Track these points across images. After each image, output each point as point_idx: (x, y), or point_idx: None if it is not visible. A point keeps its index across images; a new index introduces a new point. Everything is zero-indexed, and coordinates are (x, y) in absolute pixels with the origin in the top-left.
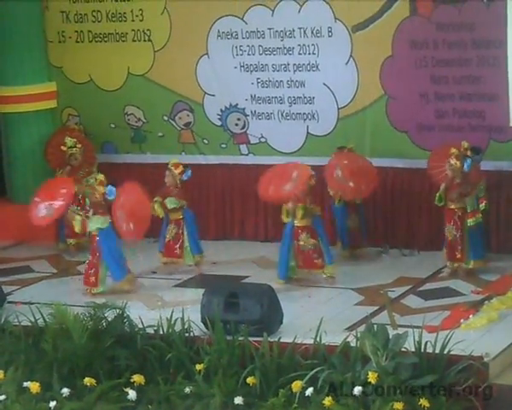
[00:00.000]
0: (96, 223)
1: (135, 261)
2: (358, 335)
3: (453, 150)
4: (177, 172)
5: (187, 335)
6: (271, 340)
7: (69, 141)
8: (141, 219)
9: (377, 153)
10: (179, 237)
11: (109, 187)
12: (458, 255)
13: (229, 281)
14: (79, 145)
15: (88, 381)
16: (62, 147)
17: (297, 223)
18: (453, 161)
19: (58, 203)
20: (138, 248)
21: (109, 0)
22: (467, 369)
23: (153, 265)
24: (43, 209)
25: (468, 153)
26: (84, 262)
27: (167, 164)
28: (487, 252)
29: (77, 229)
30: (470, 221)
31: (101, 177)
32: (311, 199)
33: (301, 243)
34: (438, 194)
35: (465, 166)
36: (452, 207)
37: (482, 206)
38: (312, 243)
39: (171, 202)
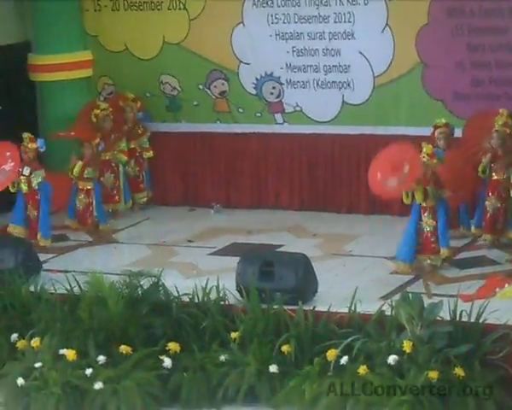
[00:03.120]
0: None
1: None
2: (393, 304)
3: (498, 118)
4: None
5: (222, 303)
6: (306, 308)
7: (102, 104)
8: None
9: (413, 121)
10: (89, 205)
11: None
12: (499, 226)
13: (264, 249)
14: (111, 109)
15: (124, 349)
16: (96, 110)
17: (422, 202)
18: (500, 126)
19: (9, 166)
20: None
21: None
22: (502, 338)
23: (189, 233)
24: None
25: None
26: None
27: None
28: None
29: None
30: None
31: (28, 135)
32: (435, 180)
33: (422, 222)
34: (482, 165)
35: None
36: (496, 177)
37: None
38: (431, 225)
39: (89, 173)
